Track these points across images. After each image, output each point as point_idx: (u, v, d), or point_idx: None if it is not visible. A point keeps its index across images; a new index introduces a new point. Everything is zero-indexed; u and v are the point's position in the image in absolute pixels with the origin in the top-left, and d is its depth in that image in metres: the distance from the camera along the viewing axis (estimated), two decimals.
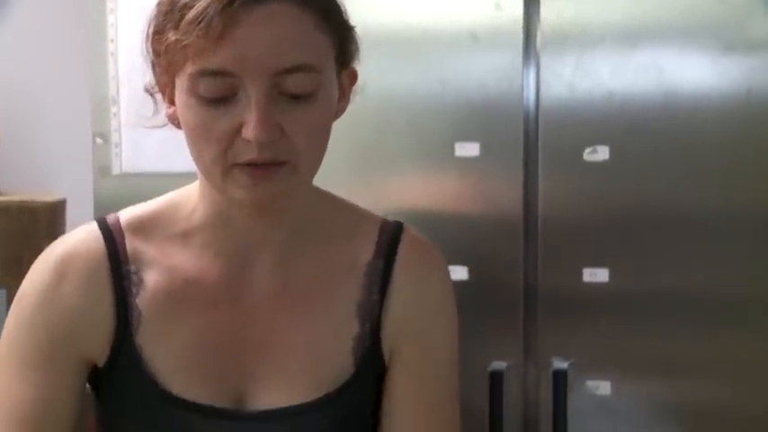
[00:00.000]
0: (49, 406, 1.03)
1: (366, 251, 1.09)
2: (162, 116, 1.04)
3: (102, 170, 1.89)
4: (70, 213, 1.55)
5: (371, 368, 1.07)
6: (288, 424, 1.04)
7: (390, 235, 1.10)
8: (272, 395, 1.04)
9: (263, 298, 1.06)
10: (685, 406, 1.76)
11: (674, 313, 1.75)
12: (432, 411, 1.08)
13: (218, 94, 0.95)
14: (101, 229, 1.07)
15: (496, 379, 1.75)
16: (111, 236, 1.06)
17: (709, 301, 1.74)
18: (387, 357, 1.08)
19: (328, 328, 1.06)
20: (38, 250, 1.08)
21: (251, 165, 0.96)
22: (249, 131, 0.94)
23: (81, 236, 1.07)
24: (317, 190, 1.11)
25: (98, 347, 1.04)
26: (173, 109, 1.01)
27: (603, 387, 1.76)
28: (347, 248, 1.09)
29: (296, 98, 0.96)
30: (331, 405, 1.04)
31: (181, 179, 1.12)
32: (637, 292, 1.75)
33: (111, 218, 1.09)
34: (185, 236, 1.06)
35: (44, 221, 1.46)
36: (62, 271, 1.04)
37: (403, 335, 1.08)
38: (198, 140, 0.97)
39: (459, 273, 1.75)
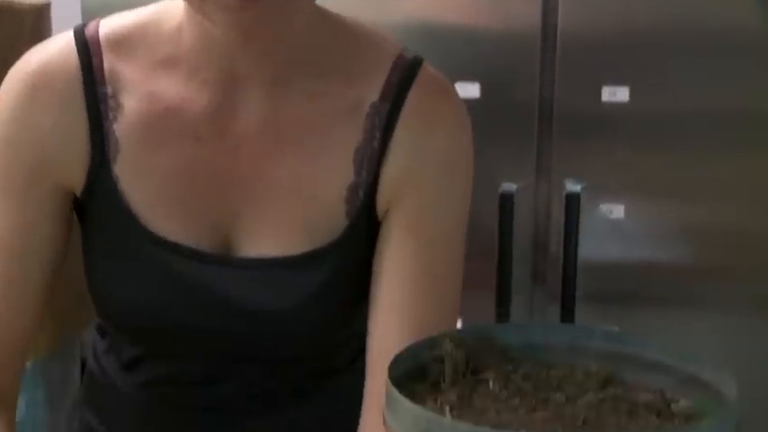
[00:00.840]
0: (30, 231, 0.99)
1: (373, 90, 0.98)
2: None
3: None
4: (56, 16, 1.46)
5: (366, 222, 0.99)
6: (276, 276, 0.97)
7: (403, 73, 0.98)
8: (258, 243, 0.98)
9: (251, 134, 0.97)
10: (699, 229, 1.76)
11: (694, 135, 1.72)
12: (426, 279, 0.98)
13: None
14: (77, 42, 0.98)
15: (507, 200, 1.73)
16: (88, 51, 0.97)
17: (729, 124, 1.72)
18: (381, 212, 0.99)
19: (320, 173, 0.97)
20: (21, 54, 1.00)
21: None
22: None
23: (54, 49, 0.98)
24: (324, 13, 1.00)
25: (74, 174, 0.98)
26: None
27: (617, 211, 1.75)
28: (352, 85, 0.98)
29: None
30: (323, 259, 0.98)
31: None
32: (657, 113, 1.72)
33: (90, 29, 0.99)
34: (170, 59, 0.97)
35: (29, 24, 1.37)
36: (34, 88, 0.96)
37: (401, 189, 0.98)
38: None
39: (470, 90, 1.71)
